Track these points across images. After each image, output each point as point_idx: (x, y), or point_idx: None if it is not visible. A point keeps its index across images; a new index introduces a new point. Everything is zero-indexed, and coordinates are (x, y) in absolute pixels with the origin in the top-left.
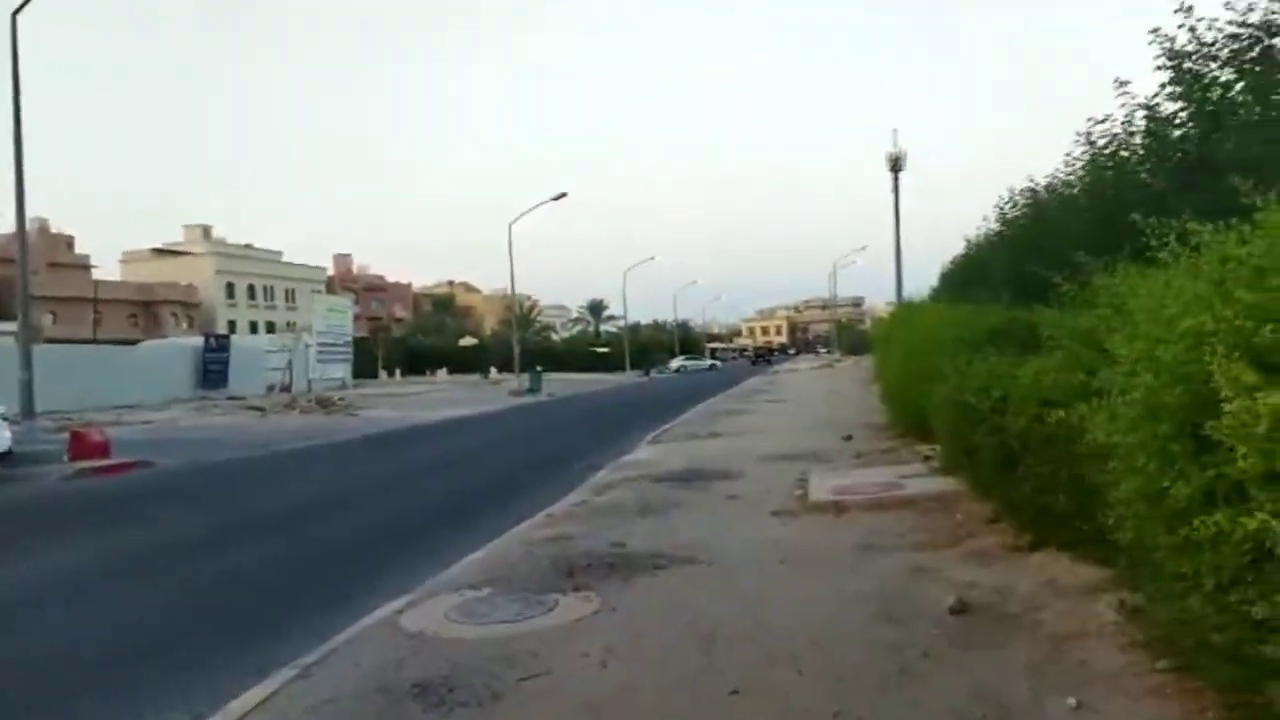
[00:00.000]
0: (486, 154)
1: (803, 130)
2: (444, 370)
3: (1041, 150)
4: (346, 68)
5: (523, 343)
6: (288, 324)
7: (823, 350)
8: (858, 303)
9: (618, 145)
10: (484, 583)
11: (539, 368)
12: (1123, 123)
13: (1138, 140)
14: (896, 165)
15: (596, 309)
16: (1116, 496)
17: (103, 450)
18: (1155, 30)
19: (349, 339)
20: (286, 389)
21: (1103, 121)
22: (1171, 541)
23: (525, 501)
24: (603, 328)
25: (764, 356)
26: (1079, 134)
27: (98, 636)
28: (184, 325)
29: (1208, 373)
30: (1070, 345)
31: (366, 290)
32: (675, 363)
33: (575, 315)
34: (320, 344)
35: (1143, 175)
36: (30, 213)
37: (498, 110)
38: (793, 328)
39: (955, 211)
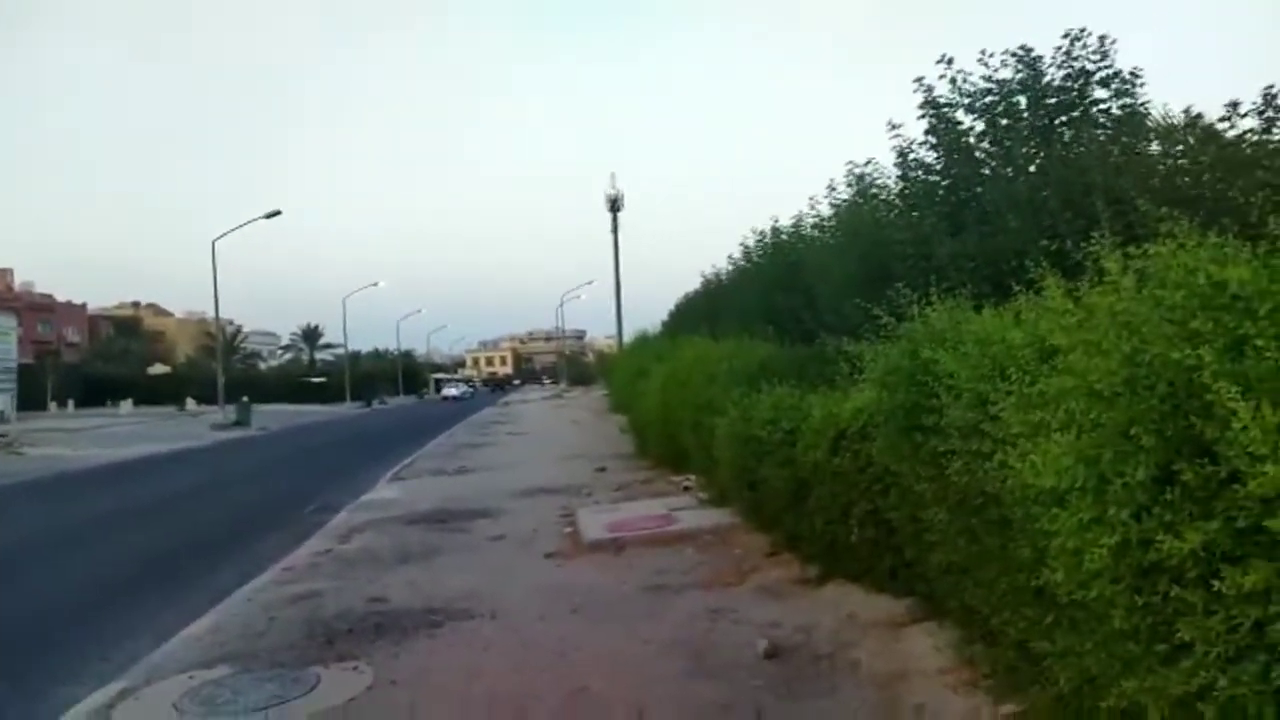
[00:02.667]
0: (184, 159)
1: (530, 164)
2: (128, 401)
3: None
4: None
5: (226, 372)
6: None
7: (548, 381)
8: (580, 335)
9: (333, 165)
10: (218, 659)
11: (245, 398)
12: (896, 161)
13: (895, 186)
14: (615, 205)
15: (311, 336)
16: (1055, 543)
17: None
18: (919, 80)
19: (12, 365)
20: None
21: (866, 164)
22: (1129, 602)
23: (253, 553)
24: (319, 356)
25: (500, 386)
26: (844, 175)
27: None
28: None
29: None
30: (890, 379)
31: (30, 310)
32: (449, 390)
33: (287, 342)
34: None
35: (912, 214)
36: None
37: (197, 112)
38: (518, 359)
39: (673, 255)
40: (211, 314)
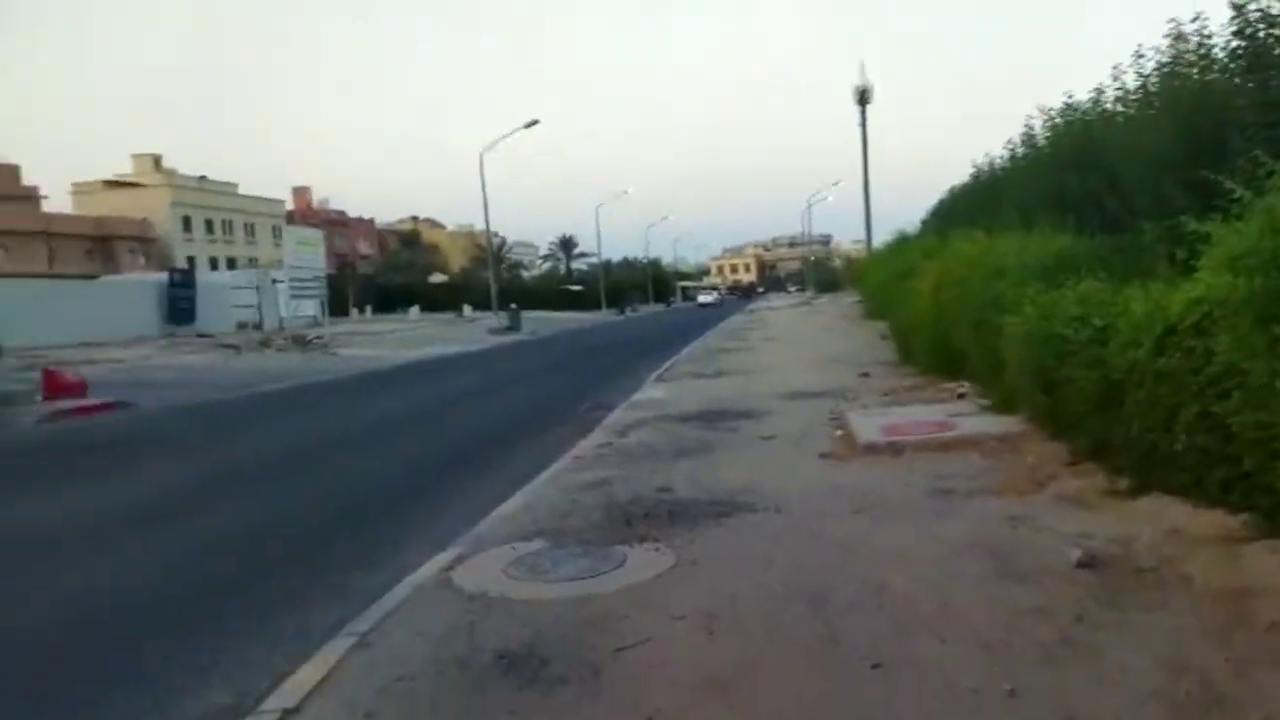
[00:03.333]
0: (448, 86)
1: (772, 62)
2: (416, 308)
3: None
4: None
5: (497, 280)
6: (251, 260)
7: (793, 289)
8: (825, 241)
9: (585, 77)
10: (534, 534)
11: (514, 306)
12: (1234, 16)
13: (1228, 45)
14: (864, 98)
15: (568, 246)
16: None
17: (79, 390)
18: None
19: (321, 274)
20: (258, 326)
21: (1194, 20)
22: None
23: (543, 444)
24: (574, 265)
25: (746, 294)
26: (1163, 35)
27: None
28: (141, 261)
29: None
30: (1247, 262)
31: (328, 226)
32: (703, 297)
33: (545, 252)
34: (292, 279)
35: (1252, 76)
36: None
37: (457, 42)
38: (761, 266)
39: (927, 154)
40: (479, 226)
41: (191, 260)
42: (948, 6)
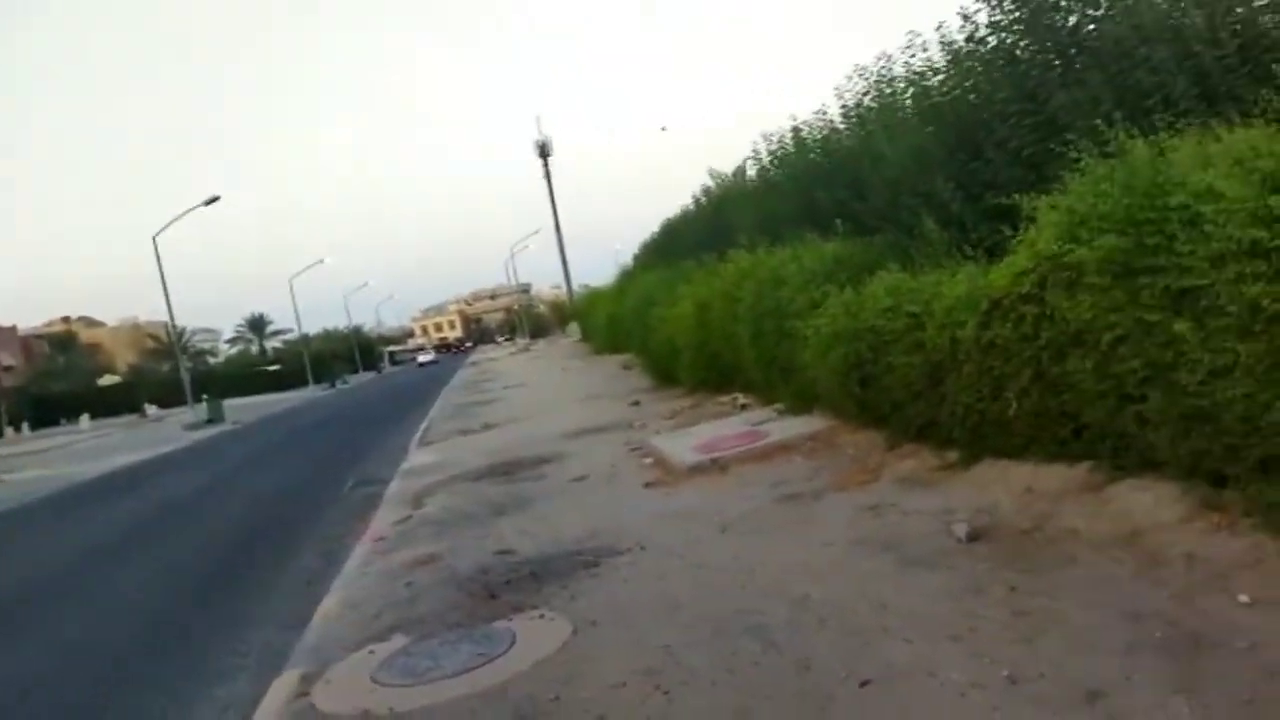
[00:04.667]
0: (99, 168)
1: (453, 123)
2: (85, 416)
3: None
4: None
5: (177, 371)
6: None
7: (502, 339)
8: (526, 289)
9: (258, 146)
10: (385, 630)
11: (207, 395)
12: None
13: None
14: (544, 151)
15: (258, 325)
16: None
17: None
18: None
19: None
20: None
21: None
22: None
23: (322, 534)
24: (267, 344)
25: (453, 350)
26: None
27: None
28: None
29: None
30: (1093, 225)
31: None
32: (423, 357)
33: (232, 335)
34: None
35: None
36: None
37: (94, 116)
38: (466, 320)
39: (616, 199)
40: (144, 318)
41: None
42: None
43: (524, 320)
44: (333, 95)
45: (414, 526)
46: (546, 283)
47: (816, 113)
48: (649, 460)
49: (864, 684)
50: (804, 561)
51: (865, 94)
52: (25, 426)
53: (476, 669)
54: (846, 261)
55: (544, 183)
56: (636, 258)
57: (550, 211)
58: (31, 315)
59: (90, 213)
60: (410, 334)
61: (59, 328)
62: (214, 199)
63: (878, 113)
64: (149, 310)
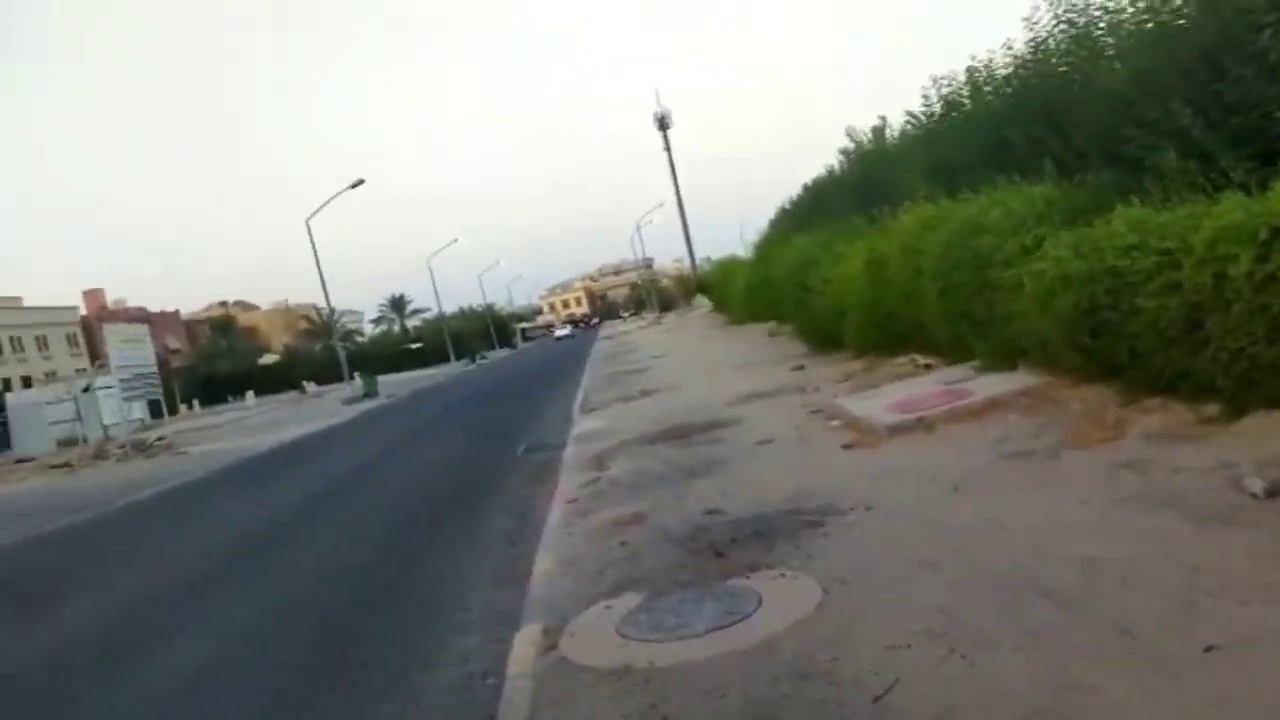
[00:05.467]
0: (253, 162)
1: (578, 97)
2: (250, 394)
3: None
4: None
5: (328, 350)
6: (49, 374)
7: (626, 314)
8: (649, 263)
9: (395, 131)
10: (614, 588)
11: (358, 373)
12: None
13: None
14: (664, 124)
15: (399, 305)
16: None
17: None
18: None
19: (154, 370)
20: (82, 440)
21: None
22: None
23: (506, 497)
24: (408, 323)
25: (581, 325)
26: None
27: None
28: None
29: None
30: None
31: (131, 324)
32: (559, 331)
33: (375, 315)
34: (122, 380)
35: None
36: None
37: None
38: (592, 297)
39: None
40: (294, 300)
41: None
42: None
43: (652, 294)
44: (464, 77)
45: (605, 488)
46: (668, 257)
47: (1002, 47)
48: (836, 422)
49: (1208, 649)
50: (1065, 521)
51: (1061, 24)
52: (196, 404)
53: (728, 627)
54: (1059, 204)
55: (665, 156)
56: (773, 223)
57: (672, 185)
58: (191, 301)
59: (240, 201)
60: (539, 311)
61: (217, 312)
62: (359, 182)
63: (1083, 42)
64: (298, 293)
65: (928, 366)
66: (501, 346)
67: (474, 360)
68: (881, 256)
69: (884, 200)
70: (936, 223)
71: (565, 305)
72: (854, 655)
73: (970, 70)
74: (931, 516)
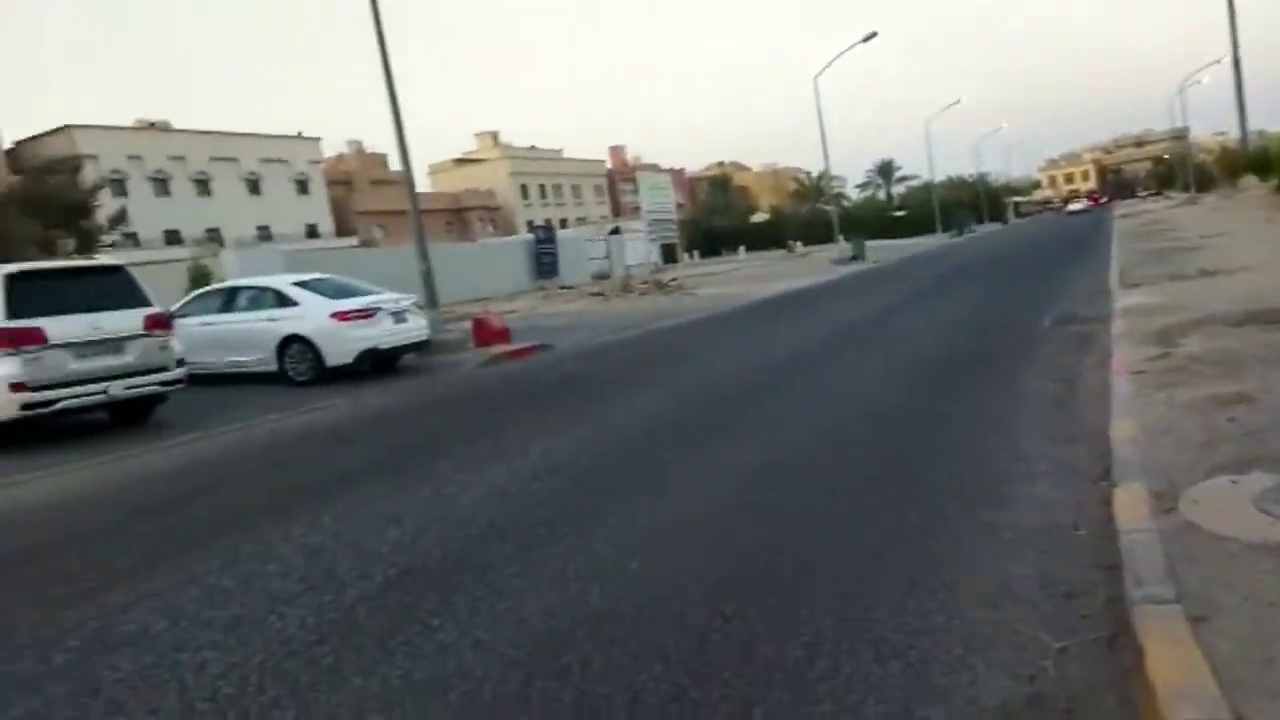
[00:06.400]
0: (754, 26)
1: None
2: (742, 249)
3: None
4: None
5: (815, 212)
6: (579, 219)
7: (1144, 193)
8: (1182, 134)
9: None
10: (1233, 463)
11: (844, 237)
12: None
13: None
14: None
15: (886, 170)
16: None
17: (503, 336)
18: None
19: (674, 217)
20: (607, 276)
21: None
22: None
23: (1046, 364)
24: (893, 190)
25: (1094, 203)
26: None
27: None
28: (489, 228)
29: None
30: None
31: (657, 173)
32: (1073, 205)
33: (863, 180)
34: (651, 222)
35: None
36: (348, 135)
37: None
38: (1101, 171)
39: None
40: (782, 164)
41: (530, 223)
42: None
43: (1188, 168)
44: None
45: (1181, 364)
46: (1204, 129)
47: None
48: None
49: None
50: None
51: None
52: (695, 255)
53: None
54: None
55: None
56: None
57: (1229, 38)
58: (692, 161)
59: (737, 65)
60: (1035, 185)
61: (715, 171)
62: (871, 35)
63: None
64: (785, 157)
65: None
66: (992, 220)
67: (960, 233)
68: None
69: None
70: None
71: (1069, 179)
72: None
73: None
74: None
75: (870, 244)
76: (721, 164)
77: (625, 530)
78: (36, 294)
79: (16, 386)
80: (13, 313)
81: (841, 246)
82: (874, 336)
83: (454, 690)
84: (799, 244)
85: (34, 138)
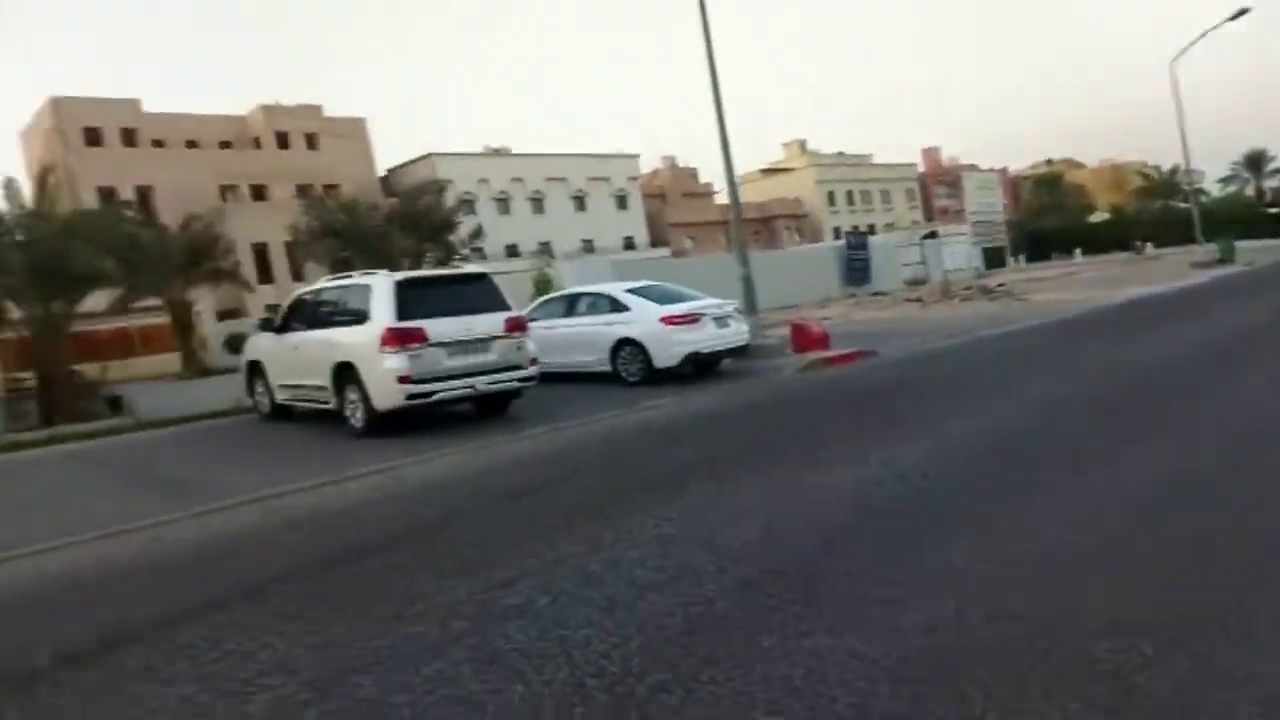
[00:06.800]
0: (1097, 15)
1: None
2: (1077, 251)
3: None
4: None
5: (1167, 210)
6: (888, 225)
7: None
8: None
9: None
10: None
11: (1213, 235)
12: None
13: None
14: None
15: (1256, 162)
16: None
17: (823, 342)
18: None
19: (1001, 219)
20: (922, 281)
21: None
22: None
23: None
24: (1265, 184)
25: None
26: None
27: None
28: (795, 236)
29: None
30: None
31: (984, 174)
32: None
33: (1227, 173)
34: (976, 224)
35: None
36: (662, 151)
37: None
38: None
39: None
40: (1120, 159)
41: (836, 230)
42: None
43: None
44: None
45: None
46: None
47: None
48: None
49: None
50: None
51: None
52: (1021, 259)
53: None
54: None
55: None
56: None
57: None
58: (1016, 159)
59: (1062, 59)
60: None
61: (1042, 170)
62: (1241, 12)
63: None
64: (1125, 152)
65: None
66: None
67: None
68: None
69: None
70: None
71: None
72: None
73: None
74: None
75: (1239, 244)
76: (1050, 161)
77: (989, 549)
78: (418, 298)
79: (403, 379)
80: (402, 314)
81: (1206, 247)
82: (1260, 355)
83: (840, 701)
84: (1148, 245)
85: (402, 165)
